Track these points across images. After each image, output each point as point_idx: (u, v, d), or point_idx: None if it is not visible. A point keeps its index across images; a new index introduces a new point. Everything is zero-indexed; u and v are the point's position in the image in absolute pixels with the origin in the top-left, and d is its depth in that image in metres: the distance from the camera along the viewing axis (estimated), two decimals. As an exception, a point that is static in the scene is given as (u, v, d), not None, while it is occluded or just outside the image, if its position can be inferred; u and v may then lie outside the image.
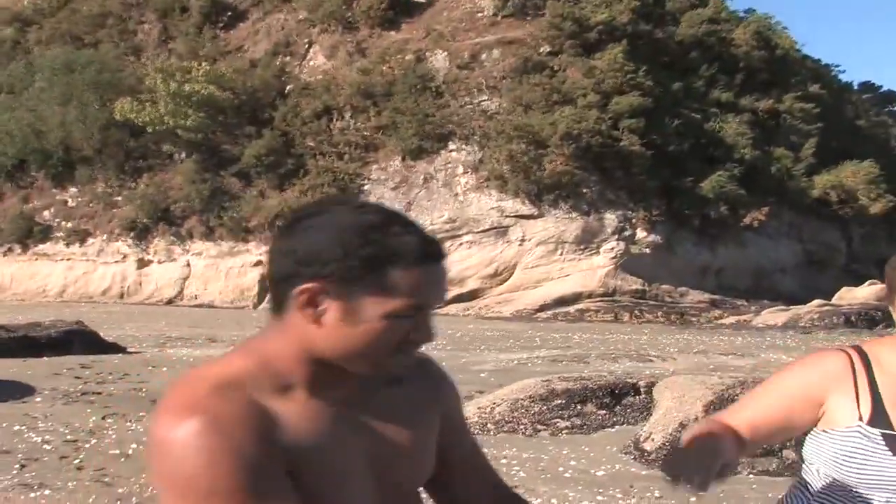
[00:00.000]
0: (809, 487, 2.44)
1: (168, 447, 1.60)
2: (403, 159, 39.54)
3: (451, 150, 39.45)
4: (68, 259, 41.60)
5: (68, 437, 10.41)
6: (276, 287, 1.73)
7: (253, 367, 1.72)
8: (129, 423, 11.30)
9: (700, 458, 2.18)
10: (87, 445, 10.05)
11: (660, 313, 36.20)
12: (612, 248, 37.64)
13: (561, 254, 38.12)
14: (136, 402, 12.89)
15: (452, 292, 37.58)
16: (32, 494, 7.95)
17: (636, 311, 36.29)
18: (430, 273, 1.72)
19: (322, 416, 1.74)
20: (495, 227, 38.21)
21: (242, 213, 39.37)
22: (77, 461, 9.29)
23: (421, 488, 1.99)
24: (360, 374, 1.76)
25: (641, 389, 12.08)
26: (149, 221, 40.45)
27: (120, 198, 41.80)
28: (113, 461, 9.33)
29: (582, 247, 38.06)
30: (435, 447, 1.95)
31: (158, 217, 40.42)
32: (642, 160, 37.60)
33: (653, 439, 9.94)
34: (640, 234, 37.90)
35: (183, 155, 41.70)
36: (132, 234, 40.78)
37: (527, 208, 38.14)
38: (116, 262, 40.91)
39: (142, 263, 40.65)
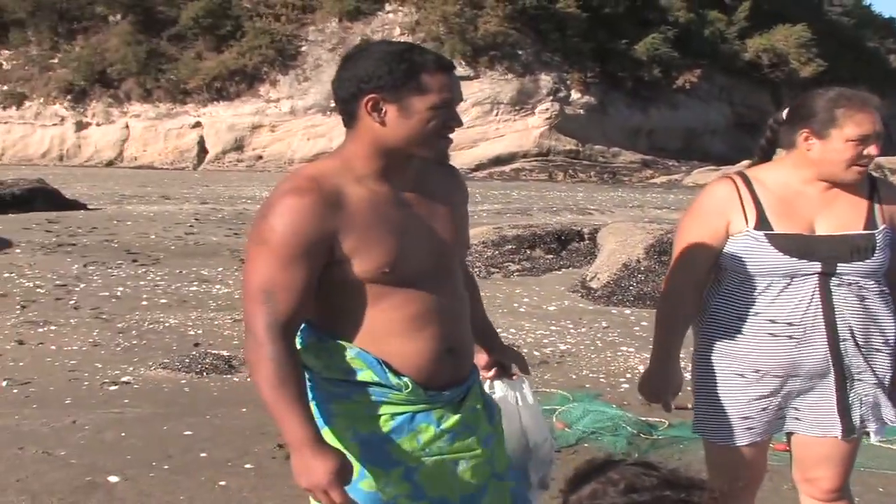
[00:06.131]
0: (721, 284, 3.22)
1: (270, 210, 2.38)
2: (340, 21, 39.64)
3: (388, 12, 39.64)
4: (6, 122, 41.36)
5: (57, 282, 11.07)
6: (346, 106, 2.44)
7: (339, 164, 2.47)
8: (110, 270, 12.00)
9: (666, 385, 3.26)
10: (77, 289, 10.74)
11: (593, 173, 37.29)
12: (547, 109, 38.40)
13: (496, 114, 38.74)
14: (112, 251, 13.58)
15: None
16: (40, 330, 8.66)
17: (570, 171, 37.32)
18: (448, 77, 2.43)
19: (383, 196, 2.46)
20: (433, 89, 38.59)
21: (180, 76, 39.34)
22: (72, 302, 9.98)
23: None
24: (417, 159, 2.50)
25: (585, 236, 13.09)
26: (86, 84, 40.23)
27: (55, 60, 41.46)
28: (105, 301, 10.05)
29: (517, 108, 38.72)
30: (467, 224, 2.70)
31: (95, 79, 40.22)
32: (577, 22, 38.13)
33: (598, 278, 10.89)
34: (575, 95, 38.63)
35: (119, 17, 41.32)
36: (69, 96, 40.58)
37: (463, 70, 38.52)
38: (55, 124, 40.82)
39: (80, 126, 40.61)
